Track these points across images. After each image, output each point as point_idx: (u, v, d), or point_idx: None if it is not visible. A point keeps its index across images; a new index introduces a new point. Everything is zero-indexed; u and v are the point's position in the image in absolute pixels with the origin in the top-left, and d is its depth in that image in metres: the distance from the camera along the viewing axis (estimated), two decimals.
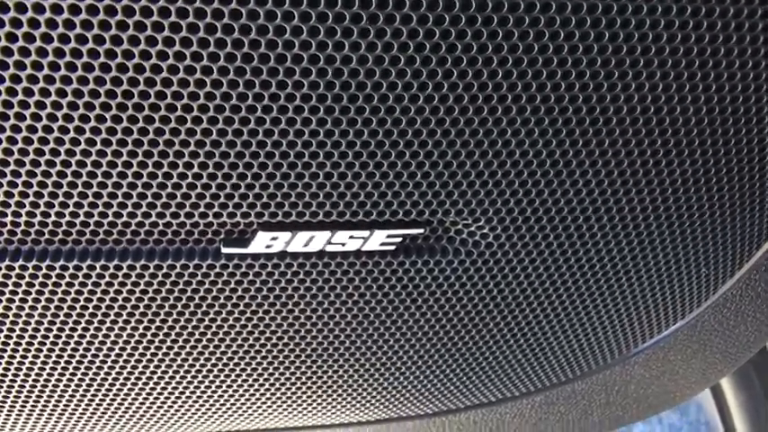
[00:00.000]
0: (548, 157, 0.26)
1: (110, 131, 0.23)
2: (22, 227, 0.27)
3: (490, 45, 0.23)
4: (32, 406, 0.36)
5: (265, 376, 0.35)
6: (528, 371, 0.38)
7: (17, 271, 0.28)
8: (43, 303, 0.29)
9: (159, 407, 0.37)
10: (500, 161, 0.26)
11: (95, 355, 0.32)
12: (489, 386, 0.39)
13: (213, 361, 0.33)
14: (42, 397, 0.35)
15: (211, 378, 0.35)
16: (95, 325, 0.30)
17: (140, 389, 0.35)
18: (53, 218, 0.26)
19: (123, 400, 0.36)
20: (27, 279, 0.28)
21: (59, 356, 0.32)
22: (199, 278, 0.29)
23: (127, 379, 0.34)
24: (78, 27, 0.21)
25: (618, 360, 0.39)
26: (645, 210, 0.29)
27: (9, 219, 0.26)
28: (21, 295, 0.29)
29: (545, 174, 0.27)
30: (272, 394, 0.37)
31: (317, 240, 0.28)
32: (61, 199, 0.25)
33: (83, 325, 0.30)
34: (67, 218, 0.26)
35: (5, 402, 0.35)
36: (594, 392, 0.41)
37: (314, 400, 0.38)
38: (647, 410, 0.44)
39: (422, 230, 0.29)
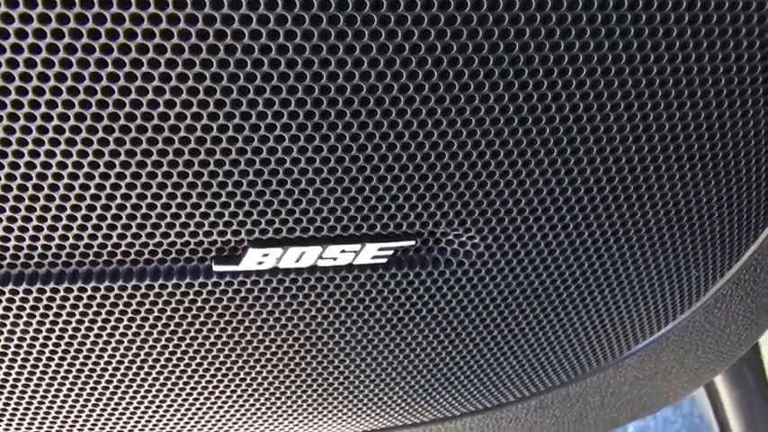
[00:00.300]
0: (536, 167, 0.27)
1: (97, 154, 0.23)
2: (11, 251, 0.27)
3: (482, 59, 0.23)
4: (31, 420, 0.36)
5: (260, 391, 0.35)
6: (522, 376, 0.38)
7: (7, 295, 0.28)
8: (34, 326, 0.29)
9: (155, 424, 0.37)
10: (489, 172, 0.26)
11: (89, 376, 0.32)
12: (484, 393, 0.39)
13: (207, 377, 0.33)
14: (39, 412, 0.35)
15: (206, 395, 0.34)
16: (88, 346, 0.30)
17: (135, 407, 0.35)
18: (42, 241, 0.26)
19: (119, 417, 0.36)
20: (18, 303, 0.28)
21: (53, 377, 0.32)
22: (191, 296, 0.29)
23: (121, 398, 0.34)
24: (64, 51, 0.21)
25: (611, 363, 0.39)
26: (634, 215, 0.29)
27: None
28: (12, 319, 0.29)
29: (534, 183, 0.27)
30: (268, 408, 0.36)
31: (309, 255, 0.28)
32: (50, 222, 0.25)
33: (75, 346, 0.30)
34: (57, 241, 0.26)
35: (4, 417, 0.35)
36: (589, 395, 0.42)
37: (309, 413, 0.38)
38: (641, 411, 0.44)
39: (413, 242, 0.29)
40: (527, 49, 0.23)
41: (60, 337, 0.30)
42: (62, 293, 0.28)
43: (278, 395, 0.35)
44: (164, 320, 0.30)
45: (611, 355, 0.38)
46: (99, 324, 0.29)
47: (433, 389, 0.38)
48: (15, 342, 0.30)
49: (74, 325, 0.29)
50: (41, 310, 0.28)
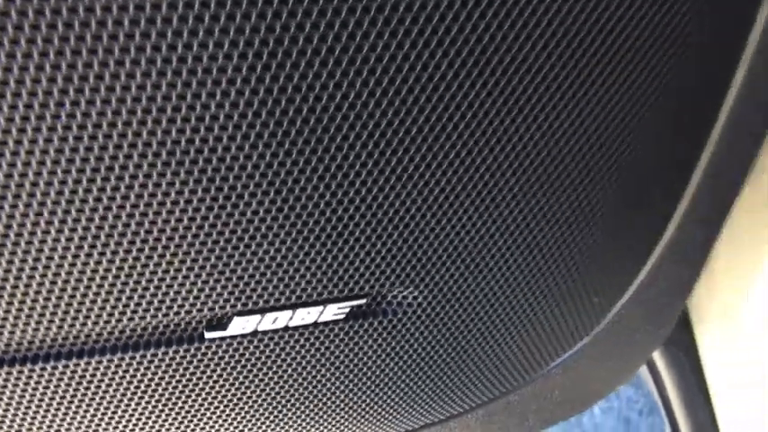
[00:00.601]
0: (455, 238, 0.34)
1: (112, 258, 0.30)
2: (40, 335, 0.33)
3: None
4: None
5: (249, 427, 0.42)
6: (466, 392, 0.45)
7: (38, 372, 0.34)
8: (59, 397, 0.35)
9: None
10: (418, 244, 0.34)
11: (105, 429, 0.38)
12: (437, 408, 0.47)
13: (204, 420, 0.40)
14: None
15: None
16: (102, 410, 0.37)
17: None
18: (65, 329, 0.32)
19: None
20: (45, 377, 0.34)
21: None
22: (188, 358, 0.36)
23: None
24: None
25: (540, 374, 0.47)
26: (538, 263, 0.37)
27: (23, 323, 0.32)
28: (40, 393, 0.35)
29: (455, 249, 0.35)
30: None
31: (282, 318, 0.35)
32: (73, 314, 0.32)
33: (91, 412, 0.37)
34: (78, 327, 0.33)
35: None
36: (526, 401, 0.49)
37: None
38: (573, 408, 0.52)
39: (364, 300, 0.36)
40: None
41: (81, 401, 0.36)
42: (82, 365, 0.34)
43: (263, 428, 0.42)
44: (166, 379, 0.36)
45: (539, 368, 0.46)
46: (113, 387, 0.36)
47: (391, 408, 0.45)
48: (41, 414, 0.36)
49: (92, 390, 0.36)
50: (65, 381, 0.35)
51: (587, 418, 1.80)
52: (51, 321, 0.32)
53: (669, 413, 1.01)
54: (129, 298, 0.32)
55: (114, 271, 0.30)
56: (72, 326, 0.32)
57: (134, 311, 0.32)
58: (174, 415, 0.39)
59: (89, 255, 0.29)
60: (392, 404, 0.44)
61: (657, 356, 0.98)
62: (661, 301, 0.44)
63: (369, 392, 0.42)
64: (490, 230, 0.34)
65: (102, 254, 0.30)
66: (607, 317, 0.44)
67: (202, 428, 0.40)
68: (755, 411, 0.55)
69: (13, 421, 0.37)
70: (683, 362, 0.98)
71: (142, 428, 0.39)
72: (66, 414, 0.36)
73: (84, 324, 0.32)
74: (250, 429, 0.42)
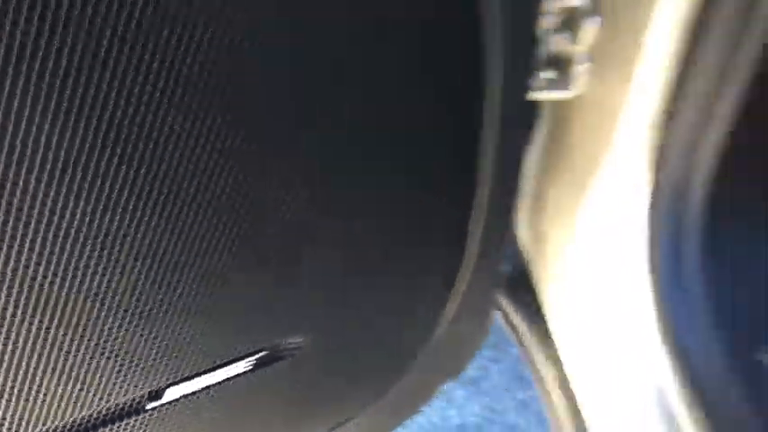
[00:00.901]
0: (319, 297, 0.47)
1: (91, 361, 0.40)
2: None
3: None
4: None
5: None
6: (355, 399, 0.59)
7: None
8: None
9: None
10: (294, 307, 0.46)
11: None
12: (348, 408, 0.60)
13: None
14: None
15: None
16: None
17: None
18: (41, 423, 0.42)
19: None
20: None
21: None
22: (136, 425, 0.46)
23: None
24: None
25: (408, 370, 0.61)
26: (375, 300, 0.51)
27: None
28: None
29: (321, 304, 0.47)
30: None
31: (205, 380, 0.46)
32: (45, 413, 0.41)
33: None
34: (49, 423, 0.42)
35: None
36: (406, 394, 0.63)
37: None
38: (431, 394, 0.68)
39: (266, 351, 0.48)
40: None
41: None
42: None
43: None
44: None
45: (410, 359, 0.60)
46: None
47: (306, 419, 0.57)
48: None
49: None
50: None
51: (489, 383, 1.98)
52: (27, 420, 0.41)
53: (533, 367, 1.19)
54: (90, 392, 0.42)
55: (83, 374, 0.40)
56: (44, 422, 0.42)
57: (92, 402, 0.43)
58: None
59: (59, 377, 0.39)
60: (301, 420, 0.57)
61: (517, 320, 1.15)
62: (481, 302, 0.59)
63: (285, 415, 0.54)
64: (336, 287, 0.47)
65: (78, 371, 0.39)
66: (445, 317, 0.59)
67: None
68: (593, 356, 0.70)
69: None
70: (533, 318, 1.16)
71: None
72: None
73: (54, 417, 0.42)
74: None
